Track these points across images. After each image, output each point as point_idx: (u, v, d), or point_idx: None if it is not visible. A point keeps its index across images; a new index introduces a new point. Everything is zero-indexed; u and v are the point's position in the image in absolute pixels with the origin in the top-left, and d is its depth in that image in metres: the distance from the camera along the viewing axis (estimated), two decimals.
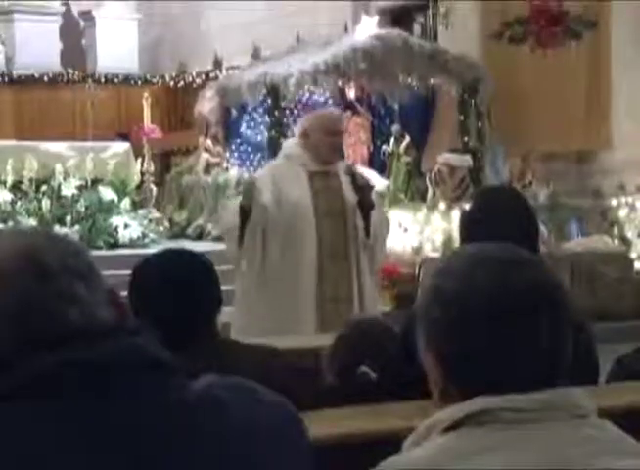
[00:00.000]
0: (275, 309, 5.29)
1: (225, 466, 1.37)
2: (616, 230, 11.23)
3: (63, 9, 16.58)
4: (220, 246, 11.78)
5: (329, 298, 5.38)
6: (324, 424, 2.58)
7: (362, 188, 5.33)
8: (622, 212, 11.40)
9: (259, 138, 12.89)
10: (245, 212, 5.21)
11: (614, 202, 11.58)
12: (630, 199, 11.53)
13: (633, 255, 10.80)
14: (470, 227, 3.17)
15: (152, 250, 9.89)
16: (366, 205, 5.34)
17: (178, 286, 2.77)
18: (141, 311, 2.66)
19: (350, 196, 5.37)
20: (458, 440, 1.46)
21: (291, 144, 5.82)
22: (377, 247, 5.48)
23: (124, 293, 2.83)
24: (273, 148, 12.24)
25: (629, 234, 11.14)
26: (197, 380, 1.43)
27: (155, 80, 16.65)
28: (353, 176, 5.35)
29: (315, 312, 5.31)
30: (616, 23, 12.27)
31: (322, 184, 5.44)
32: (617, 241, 11.07)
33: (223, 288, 2.95)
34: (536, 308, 1.51)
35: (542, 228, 10.21)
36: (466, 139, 12.69)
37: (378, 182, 10.18)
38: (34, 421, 1.32)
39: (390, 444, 1.61)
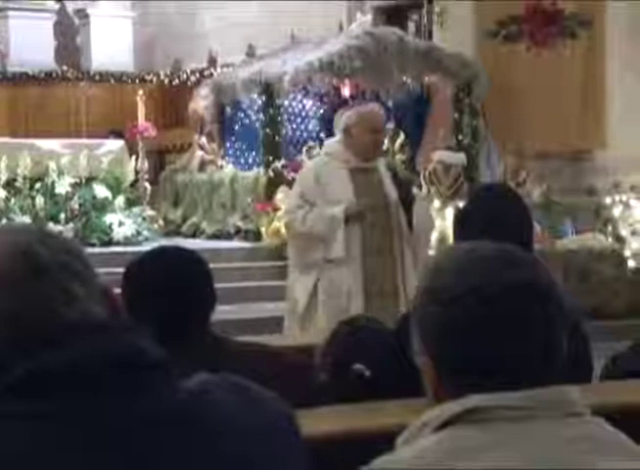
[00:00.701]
0: (326, 306, 5.38)
1: (219, 465, 1.37)
2: (610, 228, 11.25)
3: (57, 7, 16.56)
4: (213, 244, 11.88)
5: (375, 293, 5.48)
6: (317, 422, 2.58)
7: (403, 183, 5.44)
8: (616, 211, 11.42)
9: (254, 136, 12.88)
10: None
11: (608, 200, 11.60)
12: (624, 197, 11.55)
13: (627, 253, 10.82)
14: (464, 225, 3.17)
15: (146, 247, 9.88)
16: (408, 199, 5.44)
17: (172, 283, 2.77)
18: (134, 309, 2.65)
19: (392, 191, 5.45)
20: (451, 437, 1.46)
21: (331, 142, 5.96)
22: (420, 241, 5.56)
23: (118, 290, 2.82)
24: (267, 146, 12.25)
25: (623, 232, 11.15)
26: (190, 378, 1.43)
27: (149, 78, 16.63)
28: (394, 172, 5.43)
29: (362, 308, 5.37)
30: (610, 22, 12.28)
31: (364, 180, 5.53)
32: (610, 239, 11.08)
33: (217, 286, 2.95)
34: (530, 307, 1.52)
35: (536, 226, 10.24)
36: (460, 137, 12.69)
37: None
38: (29, 420, 1.32)
39: (383, 441, 1.61)
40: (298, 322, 5.51)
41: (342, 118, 5.78)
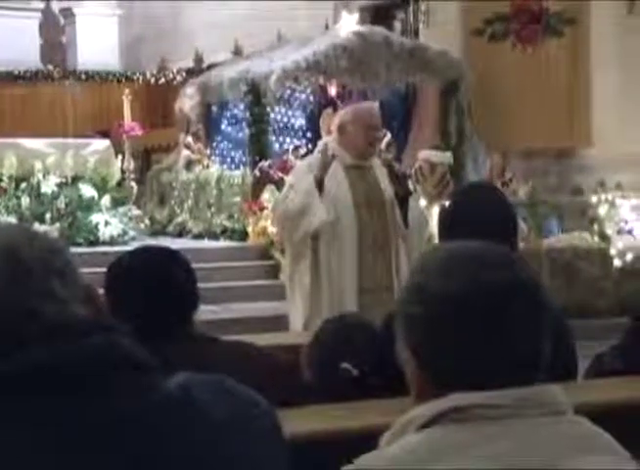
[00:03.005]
0: (324, 301, 5.39)
1: (200, 463, 1.37)
2: (595, 227, 11.27)
3: (43, 5, 16.53)
4: (200, 243, 11.88)
5: (370, 288, 5.47)
6: (301, 421, 2.59)
7: (399, 177, 5.47)
8: (602, 209, 11.44)
9: (240, 135, 12.87)
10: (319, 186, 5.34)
11: (593, 199, 11.63)
12: (610, 196, 11.57)
13: (613, 252, 10.85)
14: (448, 224, 3.18)
15: (132, 247, 9.86)
16: (404, 194, 5.46)
17: (155, 283, 2.77)
18: (118, 309, 2.65)
19: (388, 188, 5.47)
20: (434, 436, 1.47)
21: (325, 140, 5.94)
22: (415, 237, 5.56)
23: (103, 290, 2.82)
24: (254, 145, 12.25)
25: (609, 231, 11.18)
26: (172, 377, 1.43)
27: (135, 77, 16.62)
28: (390, 167, 5.45)
29: (357, 303, 5.38)
30: (595, 21, 12.32)
31: (359, 177, 5.53)
32: (596, 238, 11.11)
33: (203, 285, 2.95)
34: (513, 306, 1.52)
35: (522, 225, 10.26)
36: (446, 136, 12.71)
37: None
38: (9, 420, 1.31)
39: (367, 440, 1.61)
40: (306, 312, 5.46)
41: (338, 115, 5.78)
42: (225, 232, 12.06)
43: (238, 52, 15.06)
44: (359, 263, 5.47)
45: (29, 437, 1.30)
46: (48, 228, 10.73)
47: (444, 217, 3.23)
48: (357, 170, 5.52)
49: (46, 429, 1.31)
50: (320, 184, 5.36)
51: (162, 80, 16.44)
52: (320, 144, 6.10)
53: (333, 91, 12.98)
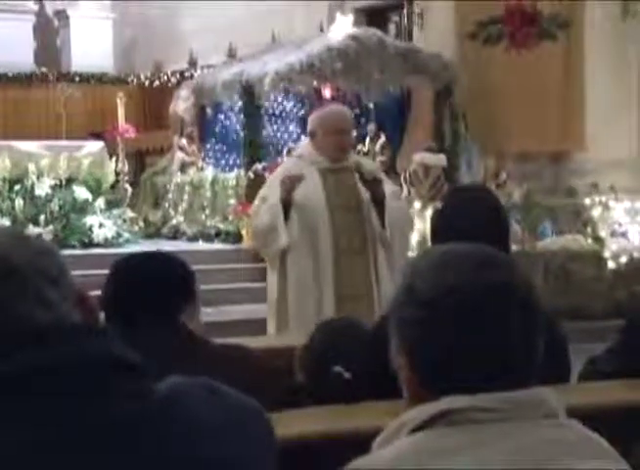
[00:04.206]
0: (300, 308, 5.31)
1: (191, 466, 1.37)
2: (589, 230, 11.29)
3: (37, 8, 16.52)
4: (194, 245, 11.87)
5: (347, 295, 5.36)
6: (294, 424, 2.58)
7: (370, 183, 5.33)
8: (596, 212, 11.46)
9: (234, 137, 12.88)
10: (285, 207, 5.26)
11: (587, 201, 11.64)
12: (604, 198, 11.59)
13: (606, 254, 10.87)
14: (440, 227, 3.18)
15: (126, 249, 9.88)
16: (378, 198, 5.34)
17: (152, 287, 2.76)
18: (113, 312, 2.65)
19: (365, 191, 5.38)
20: (427, 439, 1.47)
21: (303, 144, 5.85)
22: (395, 241, 5.44)
23: (98, 293, 2.82)
24: (248, 147, 12.25)
25: (603, 233, 11.20)
26: (163, 381, 1.43)
27: (129, 80, 16.62)
28: (360, 172, 5.35)
29: (335, 310, 5.26)
30: (589, 24, 12.34)
31: (335, 180, 5.44)
32: (590, 240, 11.12)
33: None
34: (506, 309, 1.52)
35: (516, 227, 10.28)
36: (441, 139, 12.72)
37: None
38: (9, 420, 1.31)
39: (360, 443, 1.61)
40: (274, 322, 5.46)
41: (309, 121, 5.74)
42: (219, 234, 12.07)
43: (232, 54, 15.06)
44: (336, 269, 5.37)
45: (29, 437, 1.30)
46: (42, 230, 10.74)
47: (435, 220, 3.23)
48: (333, 174, 5.44)
49: (46, 429, 1.31)
50: (286, 206, 5.26)
51: (157, 83, 16.44)
52: (298, 146, 6.05)
53: (327, 93, 12.99)
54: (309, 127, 5.57)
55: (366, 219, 5.40)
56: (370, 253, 5.44)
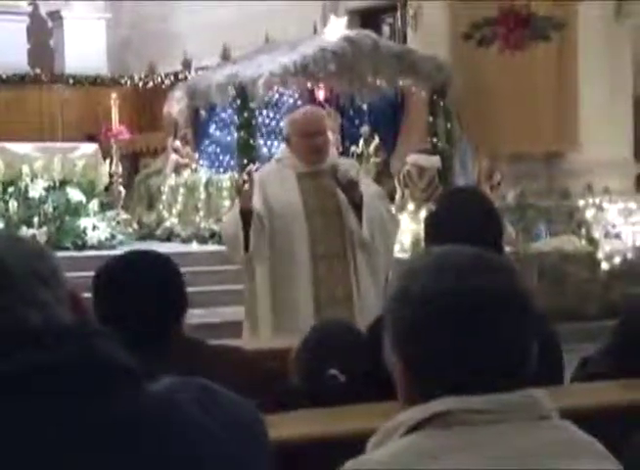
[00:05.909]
0: (277, 312, 5.25)
1: (191, 466, 1.37)
2: (583, 231, 11.30)
3: (30, 9, 16.49)
4: (188, 247, 11.86)
5: (326, 300, 5.28)
6: (288, 425, 2.59)
7: (345, 186, 5.22)
8: (590, 213, 11.48)
9: (228, 139, 12.87)
10: (245, 216, 5.15)
11: (581, 203, 11.66)
12: (597, 200, 11.61)
13: (600, 255, 10.88)
14: (433, 229, 3.18)
15: (120, 251, 9.86)
16: (354, 202, 5.23)
17: (142, 287, 2.76)
18: (105, 313, 2.65)
19: (343, 194, 5.28)
20: (421, 440, 1.47)
21: (282, 148, 5.80)
22: (377, 244, 5.33)
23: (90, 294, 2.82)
24: (242, 149, 12.24)
25: (596, 235, 11.22)
26: (157, 382, 1.43)
27: (123, 81, 16.59)
28: (335, 177, 5.22)
29: (314, 315, 5.17)
30: (583, 25, 12.35)
31: (312, 184, 5.35)
32: (584, 241, 11.14)
33: (192, 289, 2.94)
34: (501, 312, 1.52)
35: (510, 228, 10.28)
36: (435, 140, 12.72)
37: None
38: (9, 420, 1.31)
39: (354, 445, 1.61)
40: (248, 325, 5.43)
41: (284, 125, 5.68)
42: (214, 236, 12.05)
43: (226, 56, 15.05)
44: (314, 274, 5.29)
45: (29, 436, 1.30)
46: (36, 232, 10.72)
47: (428, 222, 3.24)
48: (311, 177, 5.36)
49: (46, 428, 1.31)
50: (245, 215, 5.16)
51: (150, 84, 16.41)
52: (278, 151, 6.00)
53: (321, 95, 12.99)
54: (284, 132, 5.53)
55: (345, 222, 5.30)
56: (350, 257, 5.33)
